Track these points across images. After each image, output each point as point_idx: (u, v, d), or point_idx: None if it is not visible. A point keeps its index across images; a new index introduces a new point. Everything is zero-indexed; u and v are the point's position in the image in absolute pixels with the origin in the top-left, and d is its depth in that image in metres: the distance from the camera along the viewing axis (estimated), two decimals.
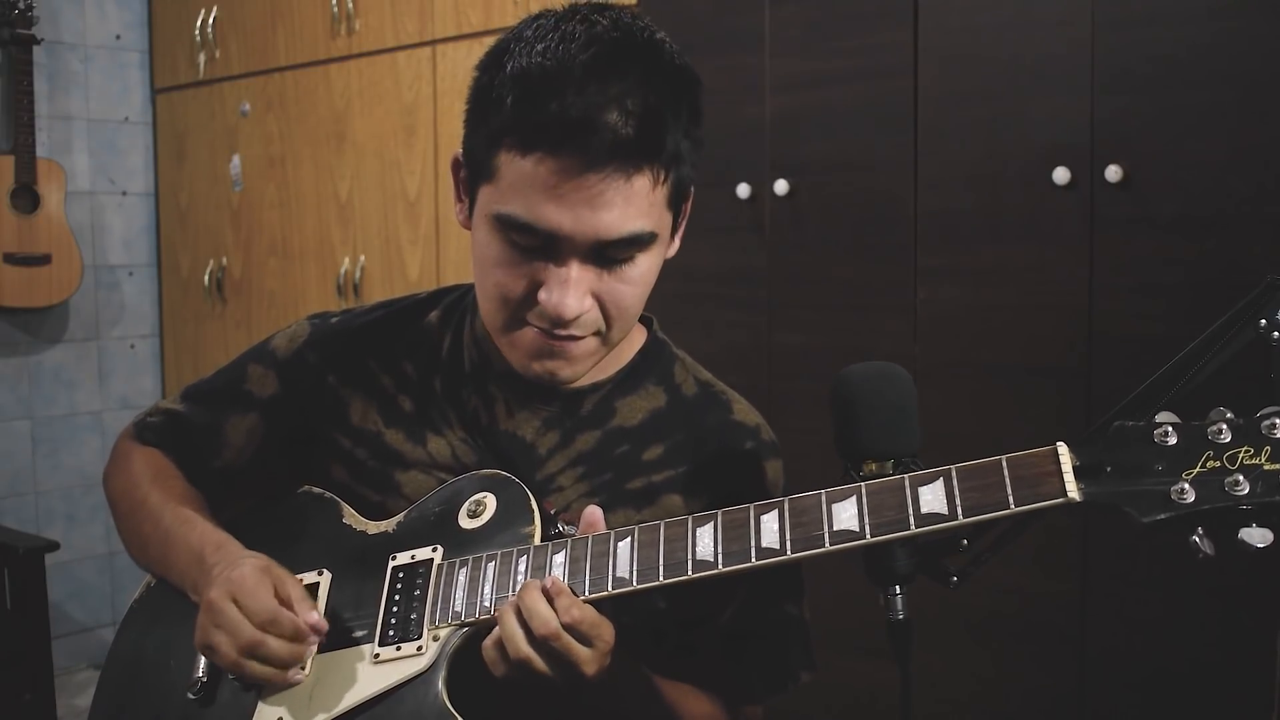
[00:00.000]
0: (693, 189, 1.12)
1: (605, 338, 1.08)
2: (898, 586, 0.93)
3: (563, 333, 1.04)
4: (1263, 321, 0.88)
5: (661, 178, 1.03)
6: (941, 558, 0.95)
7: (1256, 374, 0.86)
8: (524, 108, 0.98)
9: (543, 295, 1.02)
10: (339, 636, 1.07)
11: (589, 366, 1.10)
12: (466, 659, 1.02)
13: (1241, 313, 0.89)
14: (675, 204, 1.07)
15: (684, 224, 1.13)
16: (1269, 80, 1.77)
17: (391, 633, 1.04)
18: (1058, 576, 1.97)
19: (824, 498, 0.92)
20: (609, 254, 1.02)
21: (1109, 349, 1.92)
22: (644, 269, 1.06)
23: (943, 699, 2.09)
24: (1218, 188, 1.81)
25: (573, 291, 1.02)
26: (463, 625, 1.02)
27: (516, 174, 0.99)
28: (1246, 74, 1.79)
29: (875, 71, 2.16)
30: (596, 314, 1.05)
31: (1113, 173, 1.88)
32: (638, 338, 1.20)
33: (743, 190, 2.30)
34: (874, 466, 0.94)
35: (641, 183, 1.00)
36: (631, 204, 1.00)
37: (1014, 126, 2.00)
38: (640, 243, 1.03)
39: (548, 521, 1.08)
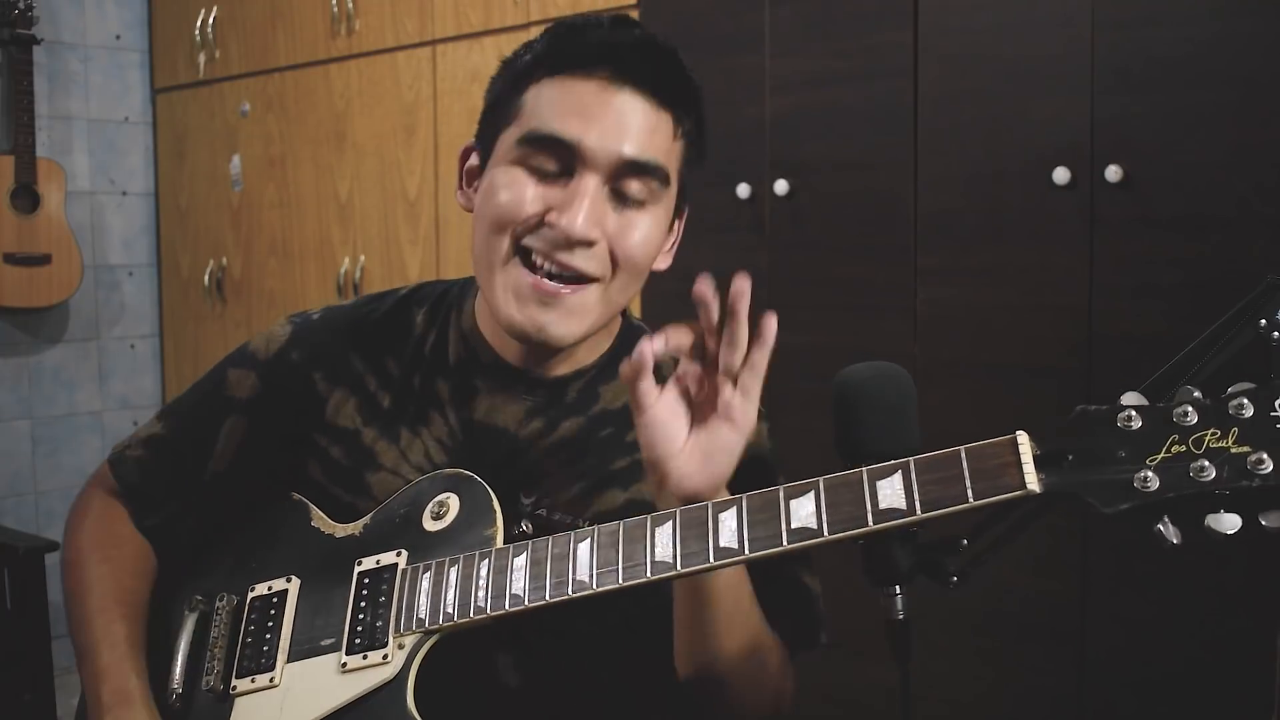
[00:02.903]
0: (685, 213, 1.15)
1: (606, 292, 1.06)
2: (897, 586, 0.93)
3: (566, 259, 1.03)
4: (1263, 321, 0.88)
5: (678, 133, 1.07)
6: (941, 558, 0.95)
7: (1257, 374, 0.86)
8: (558, 41, 1.05)
9: (553, 216, 1.02)
10: (308, 645, 1.07)
11: (582, 329, 1.07)
12: (433, 666, 1.01)
13: (1241, 313, 0.89)
14: (679, 189, 1.10)
15: (675, 245, 1.15)
16: (1269, 80, 1.77)
17: (358, 640, 1.04)
18: (1058, 576, 1.97)
19: (782, 494, 0.91)
20: (627, 180, 1.03)
21: (1109, 349, 1.92)
22: (650, 224, 1.06)
23: (943, 699, 2.09)
24: (1218, 188, 1.81)
25: (587, 209, 1.01)
26: (427, 633, 1.01)
27: (544, 97, 1.04)
28: (1246, 74, 1.79)
29: (875, 71, 2.16)
30: (604, 254, 1.04)
31: (1113, 173, 1.88)
32: (615, 323, 1.20)
33: (743, 190, 2.30)
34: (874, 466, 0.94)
35: (664, 122, 1.05)
36: (655, 137, 1.04)
37: (1014, 126, 2.00)
38: (659, 177, 1.05)
39: (510, 520, 1.08)
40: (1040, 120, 1.97)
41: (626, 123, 1.02)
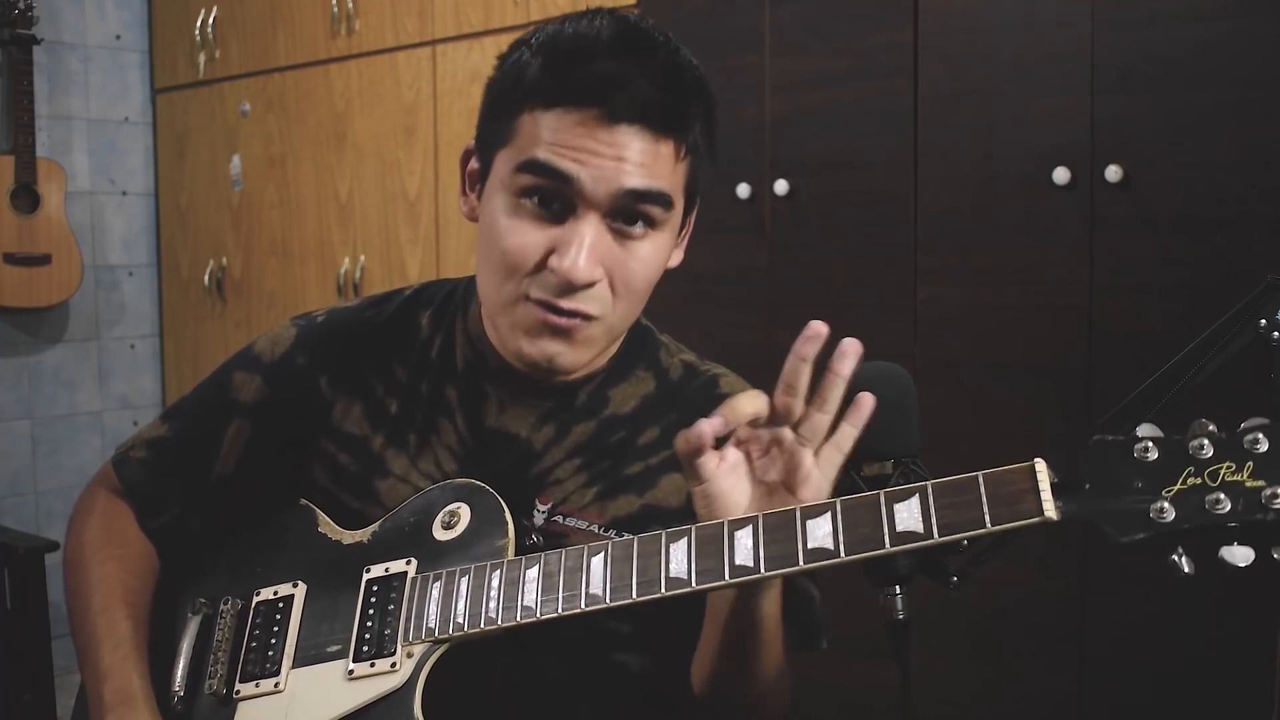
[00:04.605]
0: (697, 202, 1.13)
1: (608, 323, 1.05)
2: (897, 586, 0.93)
3: (568, 306, 1.02)
4: (1263, 321, 0.88)
5: (682, 153, 1.03)
6: (941, 558, 0.95)
7: (1257, 374, 0.86)
8: (552, 69, 1.01)
9: (554, 260, 1.00)
10: (314, 651, 1.06)
11: (589, 356, 1.07)
12: (441, 676, 1.01)
13: (1241, 313, 0.89)
14: (687, 199, 1.08)
15: (688, 235, 1.14)
16: (1269, 80, 1.77)
17: (365, 648, 1.03)
18: (1058, 576, 1.97)
19: (798, 514, 0.90)
20: (627, 213, 1.01)
21: (1109, 349, 1.92)
22: (653, 249, 1.05)
23: (943, 699, 2.09)
24: (1218, 188, 1.81)
25: (587, 253, 1.00)
26: (436, 642, 1.00)
27: (540, 127, 1.00)
28: (1246, 74, 1.79)
29: (875, 71, 2.16)
30: (606, 291, 1.03)
31: (1113, 173, 1.88)
32: None
33: (743, 190, 2.30)
34: (874, 467, 0.94)
35: (666, 150, 1.02)
36: (656, 165, 1.01)
37: (1014, 126, 2.00)
38: (661, 203, 1.02)
39: (522, 530, 1.07)
40: (1040, 120, 1.97)
41: (625, 157, 0.99)
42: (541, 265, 1.02)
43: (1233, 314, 0.89)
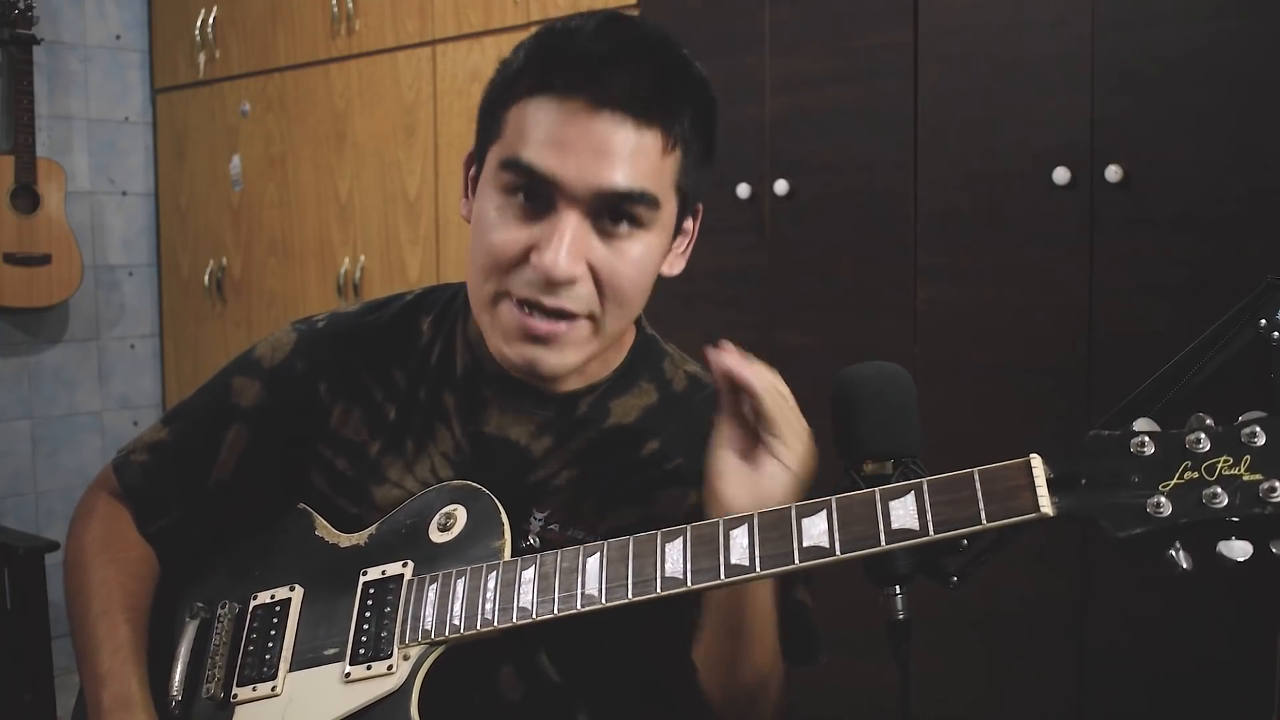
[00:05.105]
0: (700, 209, 1.12)
1: (599, 324, 1.03)
2: (897, 586, 0.93)
3: (551, 304, 1.00)
4: (1263, 321, 0.87)
5: (670, 146, 1.01)
6: (941, 558, 0.95)
7: (1257, 374, 0.86)
8: (538, 54, 1.01)
9: (534, 256, 0.99)
10: (311, 654, 1.06)
11: (577, 360, 1.05)
12: (437, 678, 1.01)
13: (1241, 313, 0.89)
14: (680, 197, 1.06)
15: (690, 245, 1.13)
16: (1269, 80, 1.77)
17: (362, 651, 1.03)
18: (1058, 576, 1.97)
19: (794, 512, 0.90)
20: (610, 212, 1.00)
21: (1109, 349, 1.92)
22: (643, 250, 1.03)
23: (943, 699, 2.09)
24: (1218, 188, 1.81)
25: (567, 247, 0.98)
26: (433, 644, 1.00)
27: (525, 119, 1.00)
28: (1246, 74, 1.79)
29: (875, 71, 2.16)
30: (590, 289, 1.01)
31: (1113, 173, 1.88)
32: (628, 335, 1.18)
33: (743, 190, 2.30)
34: (874, 466, 0.94)
35: (651, 141, 1.00)
36: (639, 161, 0.99)
37: (1014, 126, 2.00)
38: (646, 203, 1.00)
39: (519, 535, 1.07)
40: (1040, 120, 1.97)
41: (607, 150, 0.97)
42: (523, 260, 1.00)
43: (1233, 314, 0.89)
